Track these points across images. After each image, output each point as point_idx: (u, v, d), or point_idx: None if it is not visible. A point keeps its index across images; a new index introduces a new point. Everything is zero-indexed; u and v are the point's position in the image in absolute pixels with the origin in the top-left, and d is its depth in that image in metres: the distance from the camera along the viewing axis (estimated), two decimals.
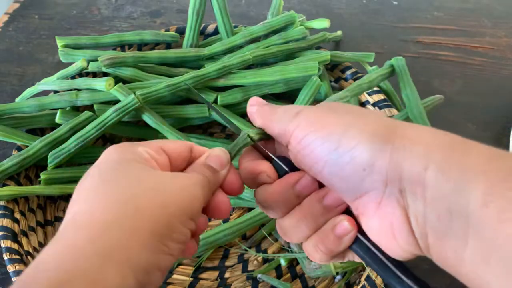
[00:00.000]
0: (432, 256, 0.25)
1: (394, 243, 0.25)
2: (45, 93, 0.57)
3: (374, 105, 0.58)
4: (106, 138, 0.59)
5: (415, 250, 0.25)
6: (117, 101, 0.54)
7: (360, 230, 0.28)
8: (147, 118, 0.53)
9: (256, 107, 0.31)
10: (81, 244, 0.22)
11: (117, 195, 0.24)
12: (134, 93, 0.51)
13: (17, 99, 0.59)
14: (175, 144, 0.30)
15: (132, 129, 0.57)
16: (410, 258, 0.26)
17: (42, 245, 0.49)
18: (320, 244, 0.28)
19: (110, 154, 0.27)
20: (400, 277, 0.27)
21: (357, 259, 0.29)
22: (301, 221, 0.28)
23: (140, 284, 0.22)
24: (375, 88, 0.58)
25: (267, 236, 0.52)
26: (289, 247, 0.51)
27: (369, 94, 0.58)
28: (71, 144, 0.50)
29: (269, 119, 0.30)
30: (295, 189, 0.28)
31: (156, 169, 0.27)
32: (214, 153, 0.30)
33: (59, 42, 0.58)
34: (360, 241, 0.27)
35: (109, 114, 0.51)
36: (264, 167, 0.30)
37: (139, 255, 0.22)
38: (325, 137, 0.26)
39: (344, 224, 0.27)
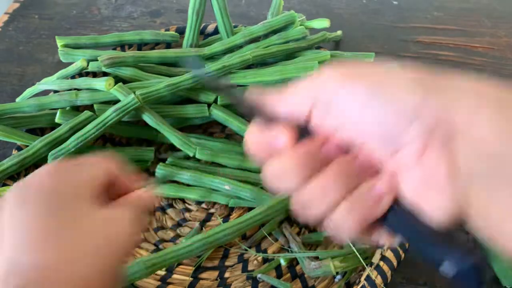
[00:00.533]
0: (471, 214, 0.22)
1: (432, 200, 0.23)
2: (45, 93, 0.57)
3: None
4: (106, 138, 0.59)
5: (453, 208, 0.22)
6: (117, 101, 0.54)
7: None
8: (147, 118, 0.53)
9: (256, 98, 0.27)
10: None
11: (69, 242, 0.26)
12: (134, 92, 0.51)
13: (17, 99, 0.59)
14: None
15: (132, 129, 0.57)
16: (444, 222, 0.23)
17: None
18: (353, 211, 0.24)
19: (49, 178, 0.29)
20: (441, 245, 0.23)
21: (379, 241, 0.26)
22: (328, 188, 0.24)
23: None
24: None
25: (267, 236, 0.52)
26: (289, 246, 0.51)
27: None
28: (70, 144, 0.50)
29: (276, 103, 0.26)
30: (323, 151, 0.24)
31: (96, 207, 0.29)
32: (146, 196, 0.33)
33: (59, 42, 0.58)
34: (397, 206, 0.24)
35: (109, 114, 0.51)
36: (283, 130, 0.25)
37: None
38: (358, 91, 0.23)
39: (382, 184, 0.24)
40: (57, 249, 0.25)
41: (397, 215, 0.24)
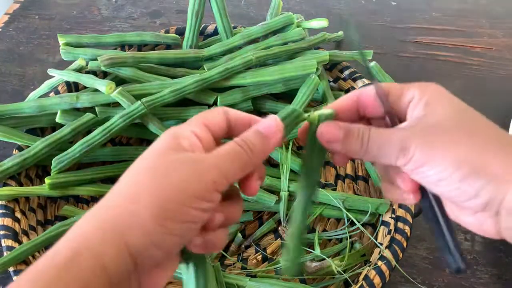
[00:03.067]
0: None
1: (478, 229, 0.29)
2: (45, 95, 0.58)
3: None
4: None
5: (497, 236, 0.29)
6: (117, 103, 0.54)
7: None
8: (149, 124, 0.54)
9: (337, 130, 0.30)
10: (87, 221, 0.26)
11: (130, 182, 0.27)
12: (140, 100, 0.52)
13: (29, 96, 0.58)
14: (213, 116, 0.30)
15: (132, 129, 0.57)
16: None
17: None
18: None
19: (157, 143, 0.29)
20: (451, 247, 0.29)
21: None
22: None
23: (135, 259, 0.25)
24: (367, 81, 0.59)
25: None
26: None
27: None
28: (76, 149, 0.50)
29: (365, 155, 0.30)
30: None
31: (192, 152, 0.28)
32: (265, 121, 0.30)
33: (61, 40, 0.59)
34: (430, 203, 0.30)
35: (115, 120, 0.51)
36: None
37: (136, 237, 0.25)
38: (437, 172, 0.28)
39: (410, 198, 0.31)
40: (126, 188, 0.27)
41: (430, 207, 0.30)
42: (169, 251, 0.26)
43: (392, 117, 0.31)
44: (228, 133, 0.31)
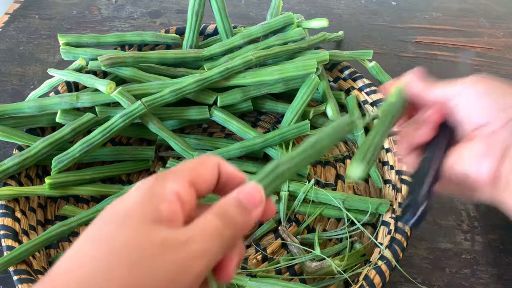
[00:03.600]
0: (503, 189, 0.32)
1: (476, 169, 0.33)
2: (45, 95, 0.58)
3: (372, 104, 0.58)
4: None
5: (487, 181, 0.33)
6: (117, 103, 0.54)
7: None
8: (149, 124, 0.54)
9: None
10: None
11: (96, 263, 0.22)
12: (140, 100, 0.52)
13: (29, 95, 0.58)
14: (205, 171, 0.27)
15: (132, 129, 0.57)
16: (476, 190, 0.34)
17: None
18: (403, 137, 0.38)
19: (131, 201, 0.24)
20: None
21: None
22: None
23: None
24: (373, 88, 0.59)
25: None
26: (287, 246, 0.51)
27: (368, 94, 0.59)
28: (76, 149, 0.50)
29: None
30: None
31: (171, 229, 0.24)
32: (246, 190, 0.27)
33: (61, 40, 0.59)
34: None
35: (115, 120, 0.51)
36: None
37: None
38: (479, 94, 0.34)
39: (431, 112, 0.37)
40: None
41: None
42: None
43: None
44: (215, 190, 0.28)
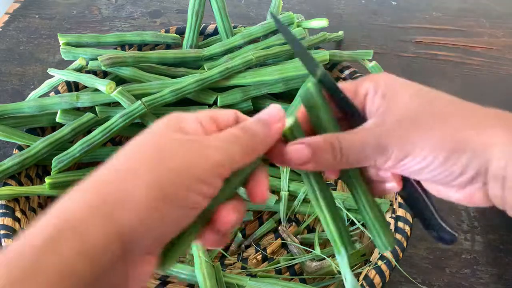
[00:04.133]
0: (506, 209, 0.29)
1: (468, 203, 0.29)
2: (45, 95, 0.58)
3: None
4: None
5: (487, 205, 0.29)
6: (117, 103, 0.54)
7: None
8: (150, 124, 0.53)
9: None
10: (73, 196, 0.23)
11: (128, 157, 0.25)
12: (141, 99, 0.52)
13: (30, 95, 0.59)
14: (223, 113, 0.29)
15: (132, 128, 0.57)
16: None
17: None
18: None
19: (158, 124, 0.27)
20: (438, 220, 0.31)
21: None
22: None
23: (124, 244, 0.22)
24: None
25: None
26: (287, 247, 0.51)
27: None
28: (76, 149, 0.50)
29: (341, 164, 0.29)
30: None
31: (190, 133, 0.26)
32: (266, 110, 0.29)
33: (61, 40, 0.59)
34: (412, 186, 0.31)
35: (115, 120, 0.51)
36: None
37: (127, 219, 0.22)
38: (418, 162, 0.28)
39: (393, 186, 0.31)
40: (121, 166, 0.25)
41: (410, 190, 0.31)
42: (162, 239, 0.24)
43: (354, 113, 0.30)
44: None
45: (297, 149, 0.28)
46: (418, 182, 0.31)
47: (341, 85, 0.30)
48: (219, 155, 0.25)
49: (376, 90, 0.29)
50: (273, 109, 0.29)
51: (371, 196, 0.31)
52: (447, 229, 0.31)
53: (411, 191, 0.31)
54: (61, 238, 0.21)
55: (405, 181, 0.31)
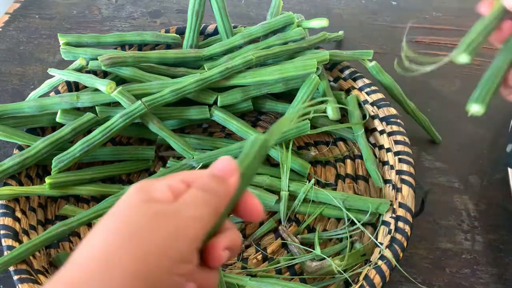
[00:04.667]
0: None
1: None
2: (45, 94, 0.58)
3: (372, 104, 0.58)
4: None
5: None
6: (117, 103, 0.54)
7: None
8: (149, 123, 0.54)
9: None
10: None
11: (100, 242, 0.24)
12: (141, 99, 0.52)
13: (30, 95, 0.58)
14: (194, 172, 0.29)
15: (132, 128, 0.57)
16: None
17: None
18: None
19: (126, 196, 0.26)
20: None
21: None
22: None
23: None
24: (374, 88, 0.59)
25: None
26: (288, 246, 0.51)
27: (368, 94, 0.59)
28: (76, 149, 0.50)
29: None
30: None
31: (165, 204, 0.26)
32: (216, 164, 0.28)
33: (61, 40, 0.59)
34: None
35: (116, 120, 0.51)
36: None
37: None
38: None
39: None
40: (94, 261, 0.23)
41: None
42: None
43: None
44: None
45: None
46: None
47: None
48: (193, 228, 0.25)
49: None
50: (224, 163, 0.28)
51: None
52: None
53: None
54: None
55: None
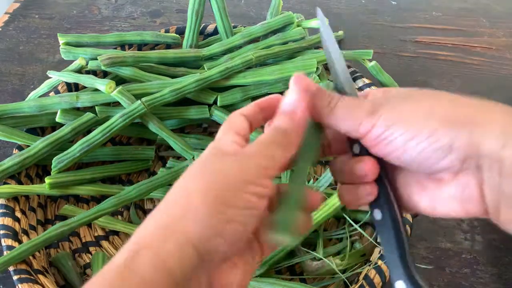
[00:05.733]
0: (499, 220, 0.29)
1: (462, 208, 0.28)
2: (45, 94, 0.58)
3: None
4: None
5: (480, 214, 0.29)
6: (117, 102, 0.54)
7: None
8: (149, 123, 0.54)
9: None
10: (145, 225, 0.26)
11: (181, 184, 0.27)
12: (140, 99, 0.52)
13: (30, 95, 0.58)
14: (237, 122, 0.30)
15: (132, 128, 0.57)
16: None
17: None
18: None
19: (201, 155, 0.29)
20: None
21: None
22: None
23: (199, 252, 0.24)
24: (374, 88, 0.59)
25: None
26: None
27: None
28: (76, 149, 0.50)
29: (330, 114, 0.30)
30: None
31: (231, 154, 0.28)
32: (286, 99, 0.30)
33: (61, 40, 0.59)
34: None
35: (115, 120, 0.51)
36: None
37: (193, 226, 0.24)
38: (406, 130, 0.27)
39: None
40: (179, 188, 0.27)
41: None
42: (233, 241, 0.26)
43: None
44: (256, 125, 0.31)
45: (308, 79, 0.30)
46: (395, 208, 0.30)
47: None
48: (261, 161, 0.27)
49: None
50: (290, 97, 0.30)
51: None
52: (419, 282, 0.30)
53: (386, 202, 0.30)
54: (140, 257, 0.24)
55: (380, 188, 0.30)
